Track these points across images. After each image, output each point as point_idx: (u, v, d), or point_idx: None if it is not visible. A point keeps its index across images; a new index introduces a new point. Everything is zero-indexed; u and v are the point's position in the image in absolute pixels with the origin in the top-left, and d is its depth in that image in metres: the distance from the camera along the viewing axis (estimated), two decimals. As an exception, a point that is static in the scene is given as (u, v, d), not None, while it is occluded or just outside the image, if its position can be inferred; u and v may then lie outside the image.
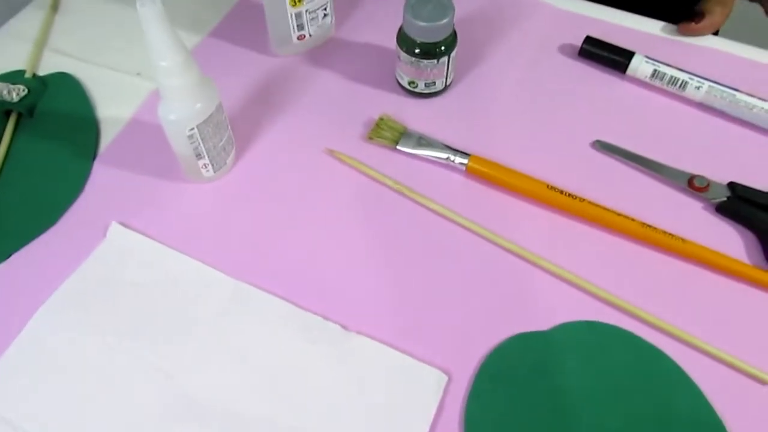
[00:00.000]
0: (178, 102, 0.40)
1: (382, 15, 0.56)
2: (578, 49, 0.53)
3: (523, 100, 0.51)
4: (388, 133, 0.48)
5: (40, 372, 0.39)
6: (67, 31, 0.56)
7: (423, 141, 0.47)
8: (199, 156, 0.44)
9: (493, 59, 0.53)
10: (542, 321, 0.40)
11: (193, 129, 0.41)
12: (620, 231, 0.43)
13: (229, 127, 0.45)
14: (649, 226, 0.42)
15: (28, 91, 0.50)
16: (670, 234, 0.42)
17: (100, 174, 0.47)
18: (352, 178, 0.47)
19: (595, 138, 0.48)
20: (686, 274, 0.42)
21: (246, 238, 0.44)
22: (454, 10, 0.46)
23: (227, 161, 0.46)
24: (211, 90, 0.42)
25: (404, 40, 0.47)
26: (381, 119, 0.48)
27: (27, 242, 0.43)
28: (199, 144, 0.43)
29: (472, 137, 0.48)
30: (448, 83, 0.50)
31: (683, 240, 0.42)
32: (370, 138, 0.48)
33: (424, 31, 0.46)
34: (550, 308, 0.41)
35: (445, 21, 0.45)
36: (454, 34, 0.48)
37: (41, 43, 0.55)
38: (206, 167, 0.45)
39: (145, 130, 0.49)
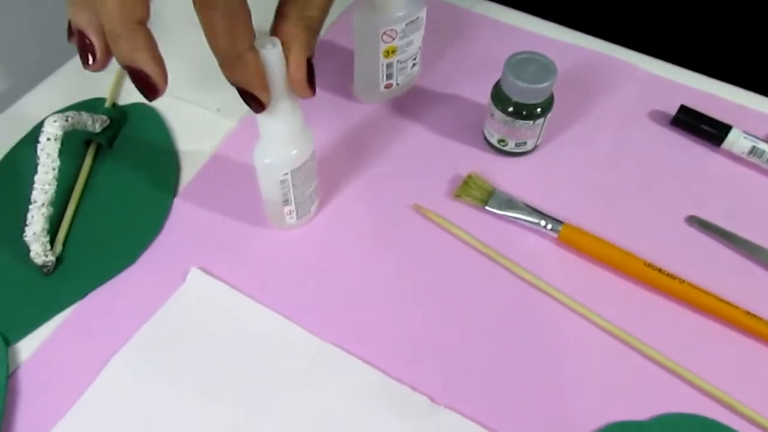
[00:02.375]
0: (276, 146, 0.39)
1: (467, 65, 0.55)
2: (670, 116, 0.51)
3: (614, 165, 0.49)
4: (477, 192, 0.46)
5: (114, 424, 0.37)
6: (148, 60, 0.56)
7: (512, 203, 0.46)
8: (286, 202, 0.42)
9: (583, 121, 0.51)
10: (640, 410, 0.38)
11: (286, 174, 0.40)
12: (722, 318, 0.41)
13: (317, 175, 0.44)
14: (754, 315, 0.40)
15: (110, 121, 0.49)
16: (775, 325, 0.40)
17: (181, 212, 0.46)
18: (439, 236, 0.45)
19: (688, 213, 0.46)
20: (791, 369, 0.40)
21: (328, 292, 0.42)
22: (557, 72, 0.44)
23: (311, 209, 0.45)
24: (309, 138, 0.40)
25: (500, 98, 0.46)
26: (470, 177, 0.47)
27: (105, 281, 0.42)
28: (289, 190, 0.41)
29: (560, 201, 0.47)
30: (538, 143, 0.49)
31: (789, 333, 0.40)
32: (458, 196, 0.46)
33: (525, 92, 0.44)
34: (648, 396, 0.39)
35: (547, 83, 0.44)
36: (552, 95, 0.46)
37: (123, 72, 0.54)
38: (291, 214, 0.43)
39: (226, 170, 0.48)
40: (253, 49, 0.32)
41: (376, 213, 0.46)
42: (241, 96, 0.34)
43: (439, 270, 0.44)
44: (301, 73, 0.35)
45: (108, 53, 0.32)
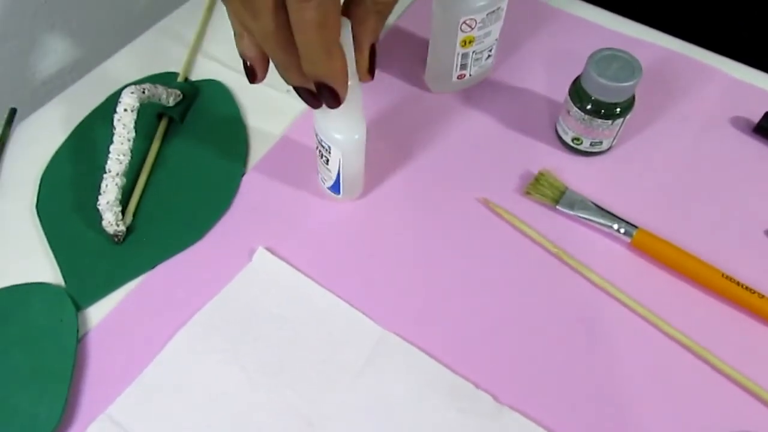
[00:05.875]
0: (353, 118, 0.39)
1: (542, 60, 0.54)
2: (753, 123, 0.49)
3: (691, 171, 0.47)
4: (548, 191, 0.45)
5: (177, 396, 0.37)
6: (220, 36, 0.56)
7: (584, 203, 0.45)
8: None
9: (661, 123, 0.50)
10: (710, 427, 0.37)
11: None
12: (802, 337, 0.39)
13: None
14: (838, 337, 0.39)
15: (183, 96, 0.49)
16: None
17: (249, 190, 0.46)
18: (507, 232, 0.44)
19: (769, 225, 0.45)
20: None
21: (392, 280, 0.42)
22: (642, 72, 0.43)
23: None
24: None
25: (578, 95, 0.45)
26: (541, 174, 0.46)
27: (174, 254, 0.43)
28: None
29: (633, 205, 0.45)
30: (614, 143, 0.47)
31: None
32: (528, 193, 0.45)
33: (606, 89, 0.43)
34: (719, 413, 0.37)
35: (631, 82, 0.42)
36: (633, 96, 0.45)
37: (196, 47, 0.54)
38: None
39: (295, 151, 0.48)
40: (339, 42, 0.32)
41: (443, 204, 0.46)
42: (319, 90, 0.34)
43: (506, 267, 0.43)
44: (364, 63, 0.35)
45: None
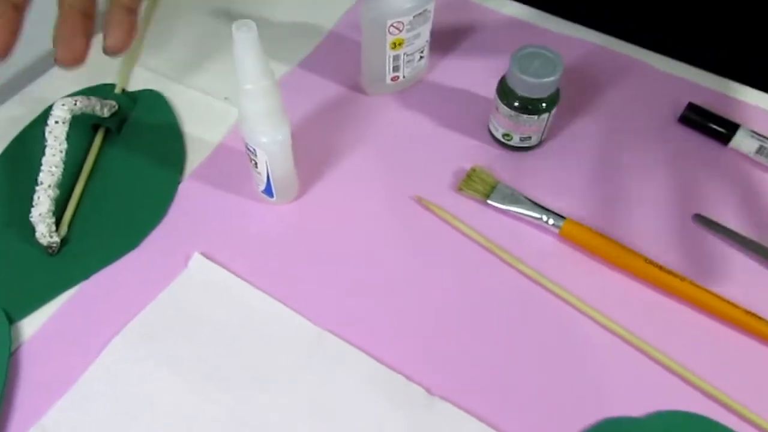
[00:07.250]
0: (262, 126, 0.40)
1: (474, 59, 0.55)
2: (677, 114, 0.51)
3: (619, 162, 0.49)
4: (480, 186, 0.46)
5: (114, 404, 0.37)
6: (157, 47, 0.56)
7: (515, 197, 0.46)
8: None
9: (589, 116, 0.51)
10: (634, 406, 0.38)
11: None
12: (721, 316, 0.41)
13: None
14: (755, 315, 0.40)
15: (119, 107, 0.50)
16: (777, 326, 0.40)
17: (186, 197, 0.46)
18: (441, 229, 0.45)
19: (694, 211, 0.46)
20: (791, 371, 0.40)
21: (328, 281, 0.43)
22: (563, 67, 0.44)
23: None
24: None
25: (505, 93, 0.46)
26: (473, 170, 0.47)
27: (109, 263, 0.43)
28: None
29: (565, 197, 0.47)
30: (543, 138, 0.49)
31: (791, 333, 0.40)
32: (461, 189, 0.47)
33: (530, 86, 0.44)
34: (645, 393, 0.39)
35: (553, 78, 0.44)
36: (558, 90, 0.46)
37: (133, 58, 0.54)
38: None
39: (232, 158, 0.48)
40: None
41: (378, 204, 0.46)
42: None
43: (440, 262, 0.44)
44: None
45: None
